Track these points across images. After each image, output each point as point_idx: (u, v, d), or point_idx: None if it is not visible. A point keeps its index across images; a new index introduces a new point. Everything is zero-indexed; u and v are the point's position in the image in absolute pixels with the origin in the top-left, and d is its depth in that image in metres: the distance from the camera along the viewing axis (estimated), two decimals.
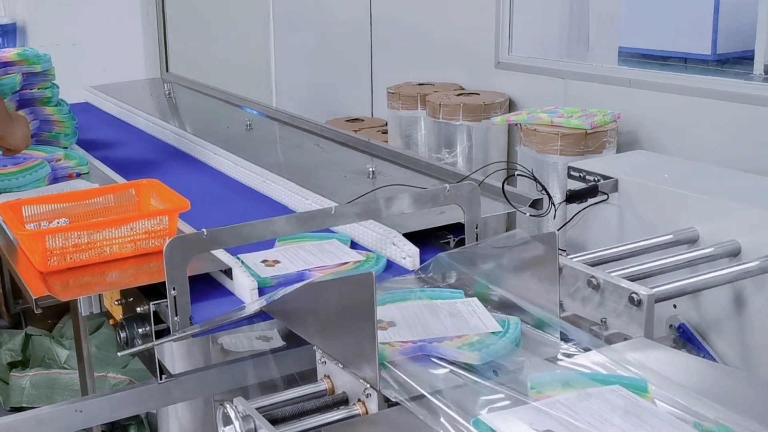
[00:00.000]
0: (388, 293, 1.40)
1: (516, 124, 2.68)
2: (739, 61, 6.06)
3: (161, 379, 1.52)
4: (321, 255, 1.60)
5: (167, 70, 5.33)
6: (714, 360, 1.67)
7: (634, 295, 1.42)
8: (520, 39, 3.31)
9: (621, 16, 4.93)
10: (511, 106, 3.04)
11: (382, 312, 1.30)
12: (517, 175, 1.82)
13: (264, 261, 1.58)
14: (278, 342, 1.56)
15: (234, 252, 1.59)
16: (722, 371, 1.10)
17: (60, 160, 2.12)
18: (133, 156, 2.50)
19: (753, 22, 4.28)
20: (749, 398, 1.07)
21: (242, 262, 1.55)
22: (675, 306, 1.79)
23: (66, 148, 2.31)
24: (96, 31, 5.18)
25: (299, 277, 1.52)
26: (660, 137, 2.49)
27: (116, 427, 2.67)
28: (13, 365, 3.03)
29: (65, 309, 3.15)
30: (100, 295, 1.73)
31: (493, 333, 1.25)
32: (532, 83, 2.99)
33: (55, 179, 2.10)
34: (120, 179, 2.12)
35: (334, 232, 1.74)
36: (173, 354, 1.52)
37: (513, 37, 3.15)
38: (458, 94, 3.11)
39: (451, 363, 1.20)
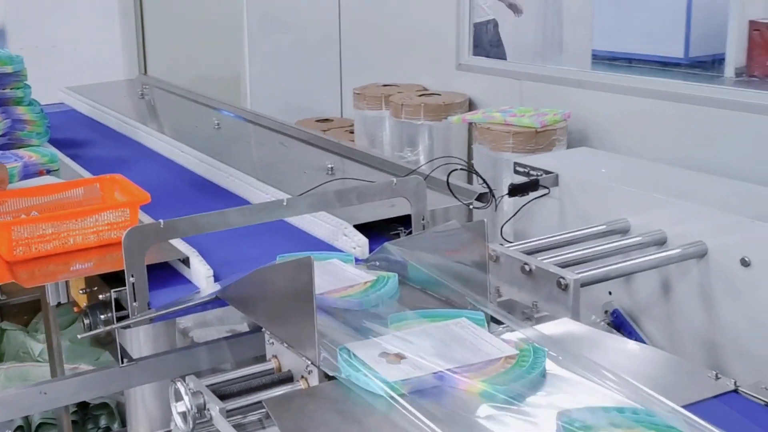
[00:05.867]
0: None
1: (472, 123, 2.80)
2: (711, 64, 6.16)
3: (123, 363, 1.61)
4: (457, 347, 1.22)
5: (145, 72, 5.42)
6: (644, 342, 1.78)
7: (561, 280, 1.53)
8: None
9: (595, 19, 5.05)
10: (471, 105, 3.15)
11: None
12: (460, 169, 1.93)
13: (383, 354, 1.22)
14: (236, 328, 1.66)
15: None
16: (626, 343, 1.21)
17: (33, 156, 2.21)
18: (104, 154, 2.58)
19: (725, 25, 4.38)
20: (647, 368, 1.18)
21: (353, 353, 1.23)
22: (610, 293, 1.90)
23: (38, 146, 2.40)
24: (75, 34, 5.26)
25: (439, 380, 1.16)
26: (608, 135, 2.61)
27: (88, 418, 2.75)
28: None
29: (40, 305, 3.23)
30: (67, 285, 1.81)
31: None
32: (490, 84, 3.11)
33: (26, 175, 2.18)
34: (89, 176, 2.20)
35: (463, 309, 1.37)
36: (138, 340, 1.61)
37: (473, 40, 3.27)
38: (420, 95, 3.23)
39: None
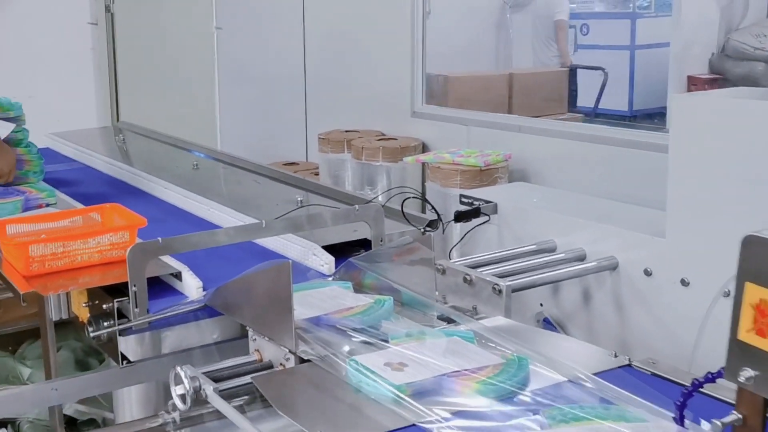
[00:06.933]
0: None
1: (424, 163, 3.16)
2: (654, 117, 6.59)
3: (123, 364, 1.86)
4: (453, 357, 1.43)
5: (117, 120, 5.71)
6: None
7: (495, 286, 1.85)
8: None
9: None
10: (424, 148, 3.51)
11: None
12: (413, 197, 2.24)
13: (387, 364, 1.41)
14: (221, 335, 1.92)
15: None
16: (537, 331, 1.53)
17: (32, 191, 2.49)
18: (94, 191, 2.85)
19: (666, 80, 4.76)
20: (561, 350, 1.50)
21: (362, 364, 1.41)
22: (541, 305, 2.22)
23: (36, 183, 2.67)
24: (51, 85, 5.56)
25: (438, 383, 1.35)
26: (543, 173, 2.97)
27: None
28: None
29: (26, 335, 3.44)
30: (68, 302, 2.06)
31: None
32: (441, 129, 3.48)
33: (27, 208, 2.45)
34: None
35: (454, 330, 1.59)
36: (134, 345, 1.86)
37: (425, 91, 3.66)
38: (379, 139, 3.58)
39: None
